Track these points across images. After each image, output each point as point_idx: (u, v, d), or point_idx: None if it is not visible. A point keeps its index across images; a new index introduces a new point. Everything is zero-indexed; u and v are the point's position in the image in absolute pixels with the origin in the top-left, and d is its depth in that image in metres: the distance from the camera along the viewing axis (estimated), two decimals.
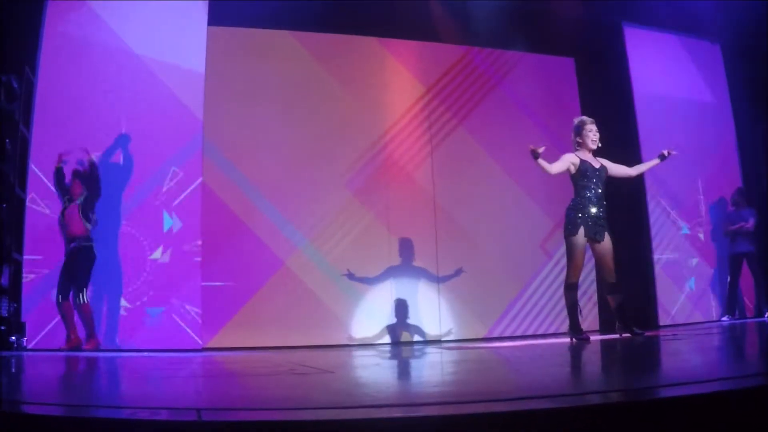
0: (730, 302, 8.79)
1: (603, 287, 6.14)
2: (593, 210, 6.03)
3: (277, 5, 7.81)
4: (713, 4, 8.98)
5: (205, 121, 7.39)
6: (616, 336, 6.16)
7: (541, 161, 5.87)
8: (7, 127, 6.42)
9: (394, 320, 8.28)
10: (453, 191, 8.71)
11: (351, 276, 8.08)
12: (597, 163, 6.20)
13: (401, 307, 8.35)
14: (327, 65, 8.52)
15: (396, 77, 8.83)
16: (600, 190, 6.13)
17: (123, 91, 7.19)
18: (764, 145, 9.29)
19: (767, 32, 8.34)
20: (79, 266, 6.61)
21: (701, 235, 9.24)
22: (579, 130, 6.23)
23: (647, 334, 6.28)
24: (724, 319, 8.78)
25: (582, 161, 6.10)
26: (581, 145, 6.20)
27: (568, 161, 6.10)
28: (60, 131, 6.87)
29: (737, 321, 8.61)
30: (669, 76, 9.47)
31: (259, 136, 8.13)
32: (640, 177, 8.77)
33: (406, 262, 8.41)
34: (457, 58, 9.11)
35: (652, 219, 8.88)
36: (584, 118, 6.34)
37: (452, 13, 8.74)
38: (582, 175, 6.08)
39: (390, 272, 8.35)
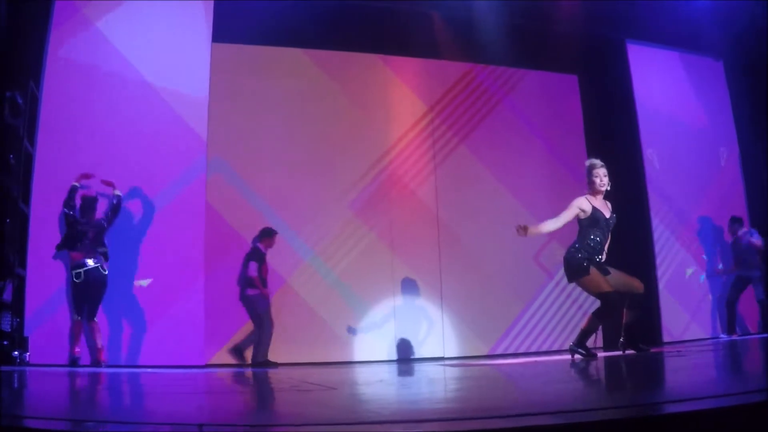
0: (730, 321, 8.74)
1: (630, 300, 6.01)
2: (598, 258, 5.88)
3: (281, 23, 7.86)
4: (716, 21, 9.01)
5: (209, 139, 7.38)
6: (619, 352, 6.13)
7: (532, 230, 5.71)
8: (11, 143, 6.43)
9: (396, 337, 8.26)
10: (456, 208, 8.71)
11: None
12: (608, 211, 5.99)
13: (404, 325, 8.33)
14: (330, 83, 8.56)
15: (399, 95, 8.86)
16: (607, 240, 5.98)
17: (126, 108, 7.18)
18: (766, 160, 9.27)
19: None
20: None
21: (704, 256, 9.24)
22: (588, 173, 6.02)
23: (652, 350, 6.26)
24: (724, 336, 8.72)
25: (594, 209, 5.87)
26: (591, 189, 5.98)
27: (577, 208, 5.86)
28: (64, 147, 6.87)
29: (740, 337, 8.55)
30: (672, 92, 9.49)
31: (262, 154, 8.16)
32: (643, 194, 8.78)
33: (409, 280, 8.39)
34: (460, 76, 9.16)
35: (655, 235, 8.85)
36: (594, 161, 6.09)
37: (455, 30, 8.77)
38: (593, 223, 5.86)
39: (393, 292, 8.36)
